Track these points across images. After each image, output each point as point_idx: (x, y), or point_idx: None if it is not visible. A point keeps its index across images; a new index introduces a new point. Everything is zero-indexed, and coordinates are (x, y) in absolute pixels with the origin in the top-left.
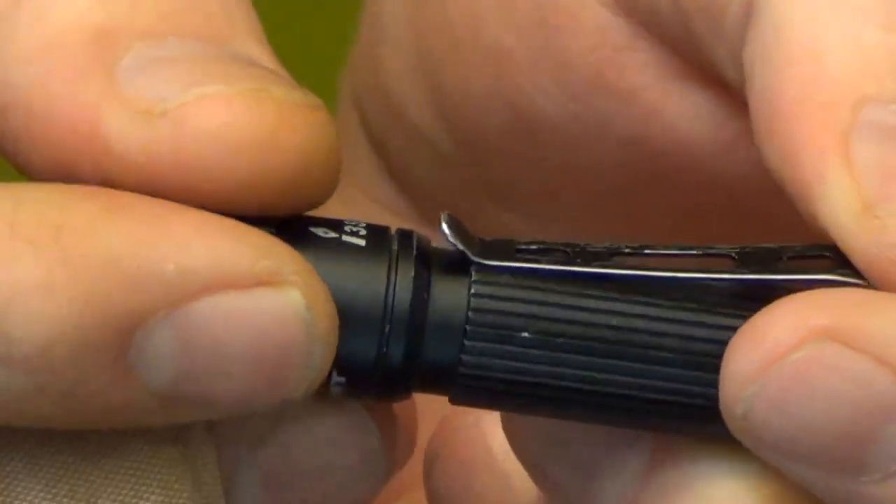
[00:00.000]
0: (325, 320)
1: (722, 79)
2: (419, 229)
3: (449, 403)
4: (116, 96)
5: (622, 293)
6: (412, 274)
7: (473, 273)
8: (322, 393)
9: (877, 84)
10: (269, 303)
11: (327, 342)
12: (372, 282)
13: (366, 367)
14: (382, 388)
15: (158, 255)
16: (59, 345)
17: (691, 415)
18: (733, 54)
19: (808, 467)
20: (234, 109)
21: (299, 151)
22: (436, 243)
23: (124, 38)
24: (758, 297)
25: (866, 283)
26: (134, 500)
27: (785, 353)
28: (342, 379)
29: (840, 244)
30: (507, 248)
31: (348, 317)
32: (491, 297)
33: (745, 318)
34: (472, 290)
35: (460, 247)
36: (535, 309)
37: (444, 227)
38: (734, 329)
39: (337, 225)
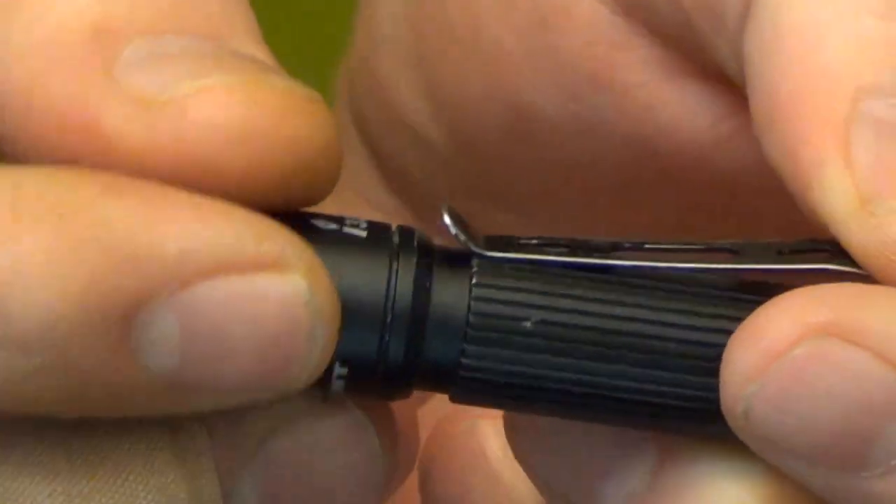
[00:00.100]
0: (328, 304)
1: (722, 74)
2: None
3: (449, 402)
4: (115, 89)
5: (625, 286)
6: (414, 264)
7: (475, 265)
8: (323, 391)
9: (875, 75)
10: (271, 286)
11: (330, 326)
12: (374, 271)
13: (367, 357)
14: (384, 381)
15: (160, 236)
16: (60, 326)
17: (695, 413)
18: (733, 49)
19: (810, 465)
20: (236, 99)
21: (301, 142)
22: (436, 242)
23: (123, 35)
24: (759, 293)
25: (864, 273)
26: (130, 501)
27: (784, 350)
28: (344, 370)
29: (838, 239)
30: (508, 242)
31: (350, 307)
32: (493, 286)
33: (747, 313)
34: (474, 281)
35: (462, 237)
36: (537, 299)
37: (446, 217)
38: (737, 324)
39: (338, 219)
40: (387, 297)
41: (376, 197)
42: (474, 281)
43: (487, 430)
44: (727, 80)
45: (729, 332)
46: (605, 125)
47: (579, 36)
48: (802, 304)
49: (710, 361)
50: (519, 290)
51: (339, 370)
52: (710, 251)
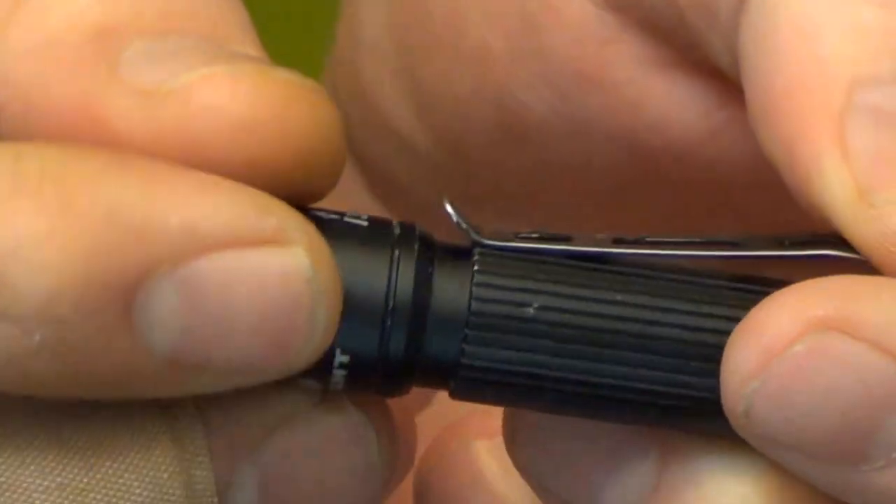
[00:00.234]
0: (330, 280)
1: (713, 68)
2: None
3: (447, 410)
4: (119, 83)
5: (627, 278)
6: (415, 257)
7: (476, 255)
8: (324, 383)
9: (873, 65)
10: (273, 261)
11: (331, 302)
12: (375, 264)
13: (368, 350)
14: (384, 375)
15: (162, 209)
16: (62, 298)
17: (696, 407)
18: (727, 44)
19: (811, 460)
20: (242, 87)
21: (307, 132)
22: None
23: (125, 35)
24: (762, 286)
25: (865, 260)
26: (125, 495)
27: (784, 347)
28: (345, 358)
29: (838, 231)
30: (508, 235)
31: (350, 299)
32: (495, 279)
33: (750, 306)
34: (476, 273)
35: (463, 225)
36: (539, 288)
37: (448, 206)
38: (739, 318)
39: (338, 212)
40: (388, 290)
41: (360, 202)
42: (476, 273)
43: (483, 448)
44: (719, 74)
45: (732, 324)
46: (595, 124)
47: (567, 34)
48: (800, 299)
49: (711, 355)
50: (521, 280)
51: (340, 358)
52: (712, 244)
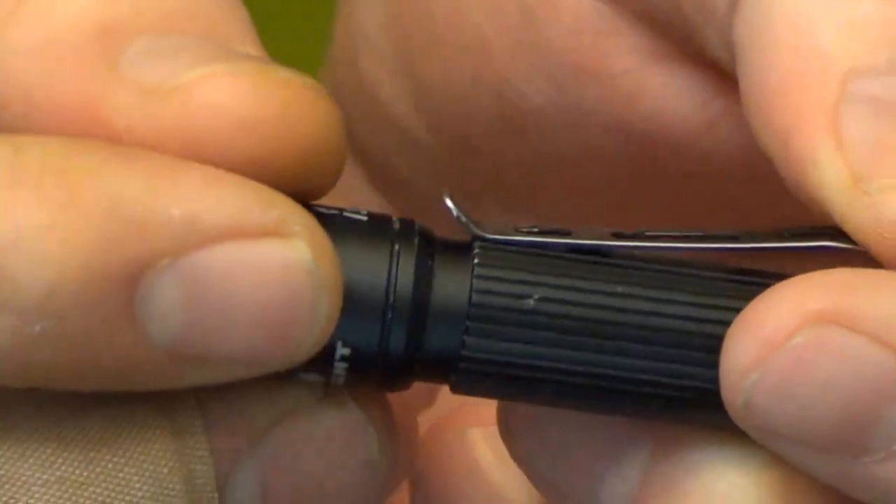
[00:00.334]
0: (331, 272)
1: (710, 61)
2: None
3: (445, 407)
4: (119, 80)
5: (627, 271)
6: (415, 252)
7: (477, 248)
8: (325, 377)
9: (869, 56)
10: (275, 253)
11: (332, 295)
12: (375, 259)
13: (369, 344)
14: (385, 369)
15: (164, 201)
16: (62, 290)
17: (698, 400)
18: (723, 37)
19: (811, 452)
20: (243, 85)
21: (308, 131)
22: None
23: (126, 33)
24: (761, 280)
25: (864, 250)
26: (124, 489)
27: (783, 340)
28: (346, 351)
29: (834, 220)
30: (508, 229)
31: (351, 294)
32: (495, 273)
33: (750, 298)
34: (476, 266)
35: (463, 218)
36: (539, 280)
37: (448, 201)
38: (738, 311)
39: (338, 208)
40: (388, 284)
41: (361, 196)
42: (476, 267)
43: (478, 437)
44: (716, 67)
45: (733, 315)
46: (593, 115)
47: (564, 26)
48: (799, 292)
49: (712, 347)
50: (521, 273)
51: (341, 350)
52: (711, 238)
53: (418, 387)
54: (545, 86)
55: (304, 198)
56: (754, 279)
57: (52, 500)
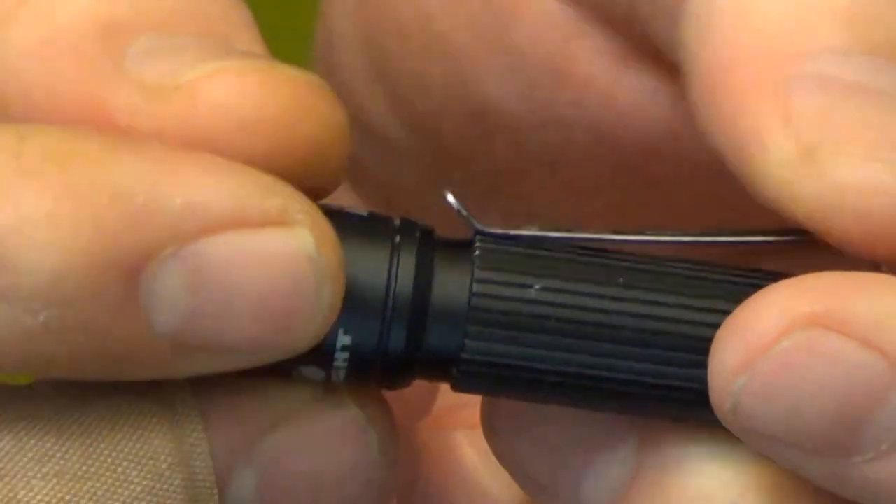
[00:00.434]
0: (334, 260)
1: (670, 61)
2: None
3: (451, 390)
4: (122, 78)
5: (628, 269)
6: (416, 248)
7: (478, 241)
8: (326, 369)
9: (813, 37)
10: (277, 241)
11: (335, 282)
12: (376, 256)
13: (369, 334)
14: (385, 364)
15: (166, 189)
16: (67, 278)
17: (699, 400)
18: (674, 36)
19: (799, 454)
20: (248, 84)
21: (313, 129)
22: None
23: (130, 32)
24: (760, 279)
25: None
26: (123, 484)
27: (771, 343)
28: (347, 339)
29: (781, 202)
30: (506, 228)
31: (351, 289)
32: (496, 266)
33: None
34: (477, 260)
35: (464, 212)
36: (540, 278)
37: (449, 196)
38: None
39: (338, 206)
40: (388, 281)
41: (339, 199)
42: (477, 265)
43: (463, 438)
44: (674, 66)
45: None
46: (567, 117)
47: (531, 29)
48: (787, 295)
49: (702, 347)
50: (521, 273)
51: (342, 339)
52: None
53: (416, 393)
54: (517, 88)
55: (309, 197)
56: (752, 280)
57: (51, 493)
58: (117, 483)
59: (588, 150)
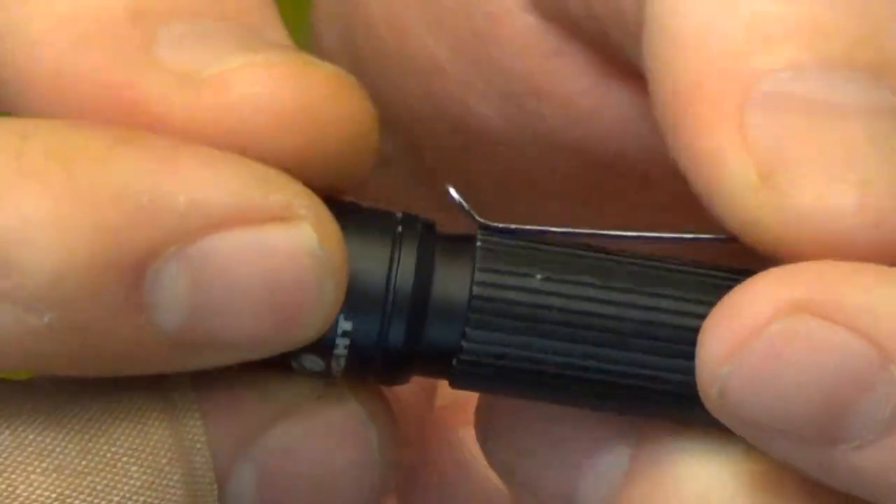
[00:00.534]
0: (336, 255)
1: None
2: None
3: (450, 387)
4: (155, 63)
5: (629, 266)
6: (417, 243)
7: (479, 236)
8: (326, 358)
9: (769, 54)
10: (280, 237)
11: (338, 277)
12: (378, 242)
13: (369, 328)
14: (385, 357)
15: (169, 188)
16: (70, 279)
17: (689, 397)
18: (638, 47)
19: (785, 440)
20: (283, 77)
21: (346, 125)
22: None
23: (159, 17)
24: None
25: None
26: (122, 479)
27: (759, 329)
28: (349, 325)
29: (743, 228)
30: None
31: (353, 275)
32: (497, 261)
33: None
34: (478, 255)
35: (466, 206)
36: (540, 274)
37: (452, 191)
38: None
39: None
40: (389, 275)
41: None
42: (478, 261)
43: (468, 436)
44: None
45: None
46: (548, 134)
47: (512, 46)
48: (774, 282)
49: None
50: (522, 270)
51: (343, 325)
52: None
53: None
54: (500, 105)
55: (338, 192)
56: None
57: (51, 488)
58: (117, 478)
59: (569, 165)
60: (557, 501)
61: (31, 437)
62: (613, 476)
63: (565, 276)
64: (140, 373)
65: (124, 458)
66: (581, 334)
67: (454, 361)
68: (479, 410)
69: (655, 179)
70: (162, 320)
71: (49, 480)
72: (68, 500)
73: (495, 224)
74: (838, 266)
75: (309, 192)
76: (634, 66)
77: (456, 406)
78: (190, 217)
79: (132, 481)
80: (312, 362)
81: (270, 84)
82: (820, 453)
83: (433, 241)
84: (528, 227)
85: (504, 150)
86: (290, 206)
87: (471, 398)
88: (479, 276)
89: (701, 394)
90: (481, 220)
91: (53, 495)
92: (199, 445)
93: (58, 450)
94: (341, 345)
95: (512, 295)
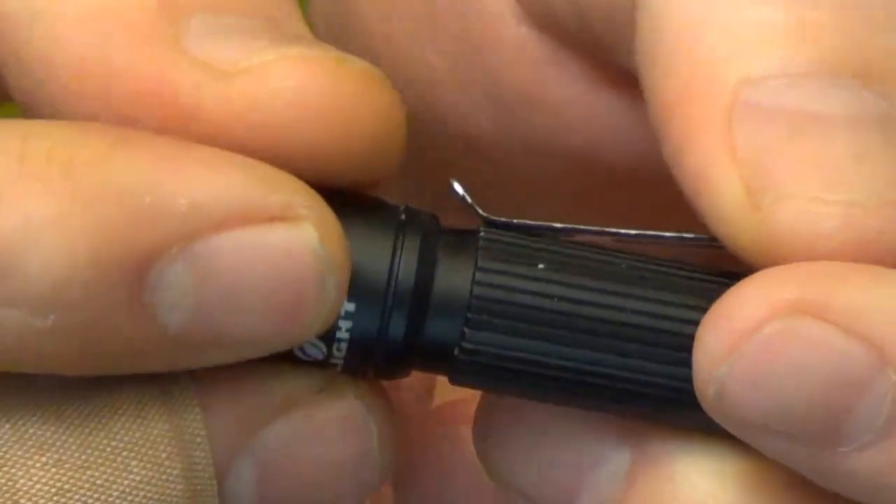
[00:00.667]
0: (338, 253)
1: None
2: None
3: (449, 383)
4: (185, 55)
5: (630, 267)
6: (419, 237)
7: (481, 237)
8: (327, 346)
9: (754, 62)
10: (282, 237)
11: (340, 275)
12: (380, 235)
13: (370, 322)
14: (385, 352)
15: (170, 189)
16: (74, 281)
17: (688, 400)
18: (631, 56)
19: (784, 442)
20: (317, 72)
21: (377, 121)
22: None
23: (188, 8)
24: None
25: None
26: (122, 473)
27: (754, 329)
28: (351, 306)
29: (730, 243)
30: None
31: (354, 269)
32: (498, 258)
33: None
34: (481, 241)
35: (469, 200)
36: (541, 272)
37: (456, 186)
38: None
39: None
40: (391, 269)
41: None
42: (479, 257)
43: (467, 434)
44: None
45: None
46: (542, 142)
47: (502, 53)
48: (770, 283)
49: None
50: (523, 267)
51: (346, 306)
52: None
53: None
54: (494, 113)
55: (363, 187)
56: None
57: (50, 482)
58: (116, 472)
59: (564, 173)
60: None
61: (31, 430)
62: (612, 489)
63: (567, 274)
64: (143, 371)
65: (124, 453)
66: (581, 330)
67: (454, 355)
68: (477, 420)
69: (647, 186)
70: (165, 320)
71: (49, 474)
72: (68, 494)
73: (499, 219)
74: (834, 266)
75: (310, 190)
76: (626, 73)
77: (455, 403)
78: (191, 217)
79: (132, 475)
80: (314, 347)
81: (305, 78)
82: (818, 455)
83: (436, 234)
84: (531, 221)
85: (497, 156)
86: (290, 205)
87: (469, 397)
88: (481, 272)
89: (698, 394)
90: (485, 215)
91: (53, 489)
92: (199, 439)
93: (58, 444)
94: (343, 327)
95: (514, 292)
